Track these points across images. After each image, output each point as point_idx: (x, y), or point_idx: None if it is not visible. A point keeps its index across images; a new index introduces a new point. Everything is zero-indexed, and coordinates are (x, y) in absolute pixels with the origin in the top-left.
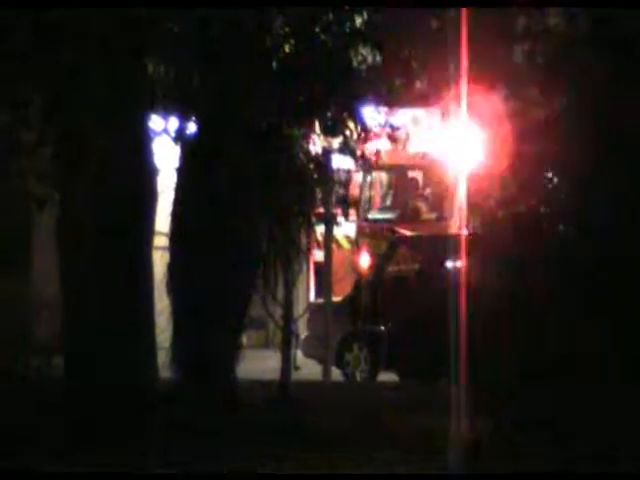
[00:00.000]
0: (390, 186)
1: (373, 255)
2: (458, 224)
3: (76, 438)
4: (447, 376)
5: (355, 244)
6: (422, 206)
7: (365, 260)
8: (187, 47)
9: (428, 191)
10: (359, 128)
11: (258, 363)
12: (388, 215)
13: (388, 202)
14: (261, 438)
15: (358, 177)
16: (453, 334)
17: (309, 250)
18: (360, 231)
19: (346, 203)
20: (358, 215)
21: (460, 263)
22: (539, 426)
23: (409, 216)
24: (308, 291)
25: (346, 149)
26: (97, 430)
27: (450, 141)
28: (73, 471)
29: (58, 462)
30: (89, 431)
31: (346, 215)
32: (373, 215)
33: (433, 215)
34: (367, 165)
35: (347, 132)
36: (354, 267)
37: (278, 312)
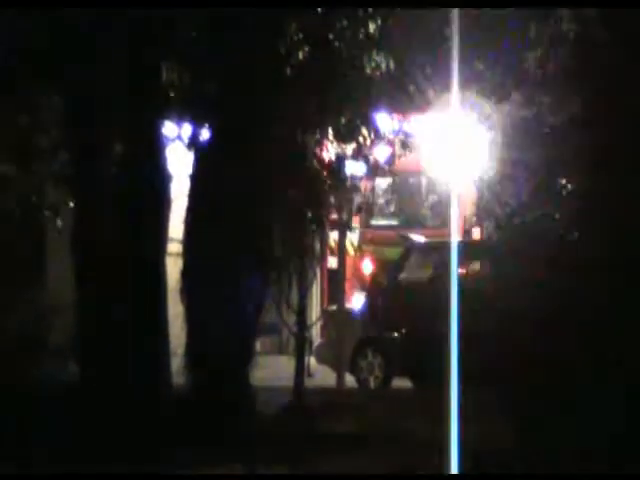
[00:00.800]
0: (394, 192)
1: (377, 262)
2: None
3: (88, 442)
4: (460, 382)
5: (359, 250)
6: (427, 212)
7: (368, 267)
8: (201, 52)
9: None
10: (372, 134)
11: (272, 369)
12: (392, 221)
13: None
14: (274, 443)
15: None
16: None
17: (322, 256)
18: (363, 238)
19: (361, 209)
20: (361, 222)
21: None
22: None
23: (413, 222)
24: (323, 298)
25: (359, 155)
26: (110, 434)
27: (458, 147)
28: (73, 472)
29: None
30: (102, 435)
31: (349, 223)
32: (377, 221)
33: (437, 221)
34: (381, 171)
35: (360, 138)
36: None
37: (292, 319)
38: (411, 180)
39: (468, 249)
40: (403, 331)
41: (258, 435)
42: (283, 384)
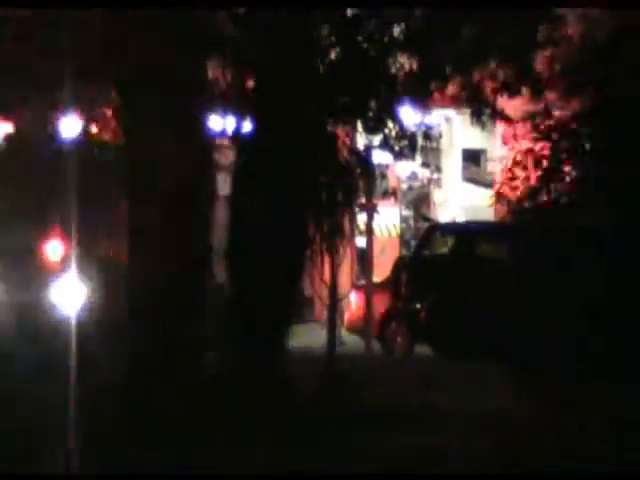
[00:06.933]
0: None
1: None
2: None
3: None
4: (479, 352)
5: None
6: None
7: None
8: (243, 52)
9: None
10: (397, 127)
11: (306, 338)
12: None
13: None
14: (307, 409)
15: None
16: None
17: (352, 236)
18: None
19: (387, 194)
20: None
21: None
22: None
23: None
24: (352, 273)
25: (386, 146)
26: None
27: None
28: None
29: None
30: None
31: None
32: None
33: None
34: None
35: (386, 130)
36: None
37: (325, 292)
38: None
39: (483, 230)
40: (425, 303)
41: (292, 401)
42: (317, 351)
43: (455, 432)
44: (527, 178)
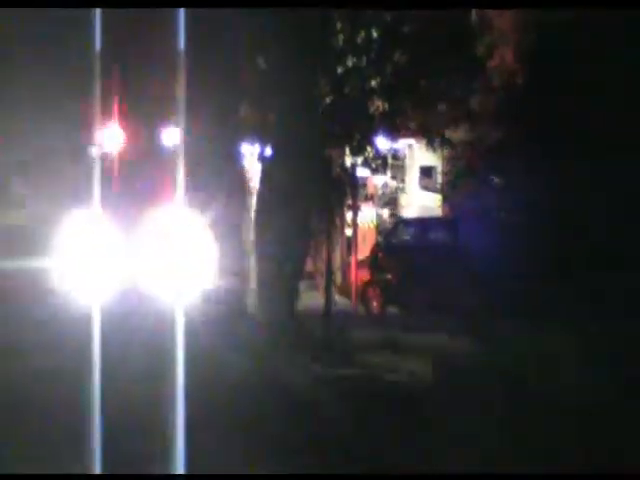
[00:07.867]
0: None
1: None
2: None
3: None
4: (429, 307)
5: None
6: None
7: None
8: (264, 99)
9: None
10: (374, 151)
11: (309, 301)
12: None
13: None
14: (314, 344)
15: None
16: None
17: (343, 228)
18: None
19: (367, 197)
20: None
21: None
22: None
23: None
24: (342, 254)
25: (366, 164)
26: None
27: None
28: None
29: None
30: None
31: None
32: None
33: None
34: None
35: (366, 153)
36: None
37: (323, 268)
38: None
39: (433, 223)
40: (393, 275)
41: (303, 340)
42: (318, 310)
43: (406, 355)
44: (464, 187)
